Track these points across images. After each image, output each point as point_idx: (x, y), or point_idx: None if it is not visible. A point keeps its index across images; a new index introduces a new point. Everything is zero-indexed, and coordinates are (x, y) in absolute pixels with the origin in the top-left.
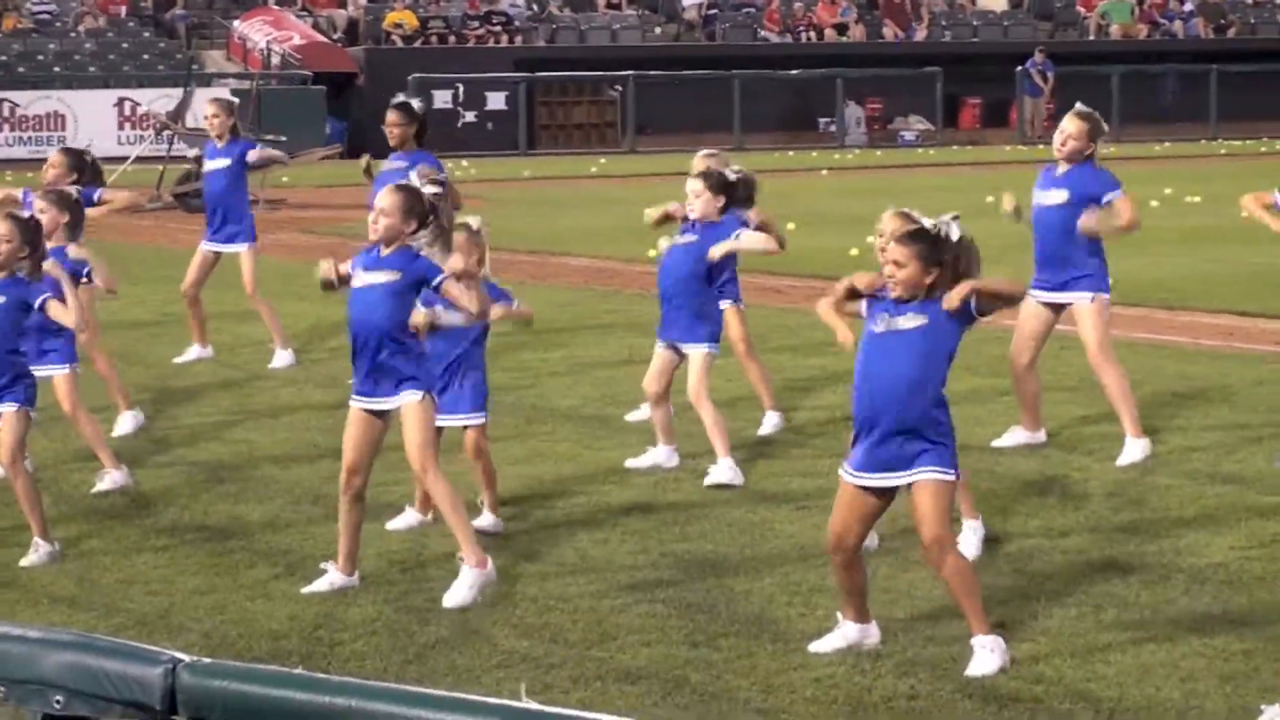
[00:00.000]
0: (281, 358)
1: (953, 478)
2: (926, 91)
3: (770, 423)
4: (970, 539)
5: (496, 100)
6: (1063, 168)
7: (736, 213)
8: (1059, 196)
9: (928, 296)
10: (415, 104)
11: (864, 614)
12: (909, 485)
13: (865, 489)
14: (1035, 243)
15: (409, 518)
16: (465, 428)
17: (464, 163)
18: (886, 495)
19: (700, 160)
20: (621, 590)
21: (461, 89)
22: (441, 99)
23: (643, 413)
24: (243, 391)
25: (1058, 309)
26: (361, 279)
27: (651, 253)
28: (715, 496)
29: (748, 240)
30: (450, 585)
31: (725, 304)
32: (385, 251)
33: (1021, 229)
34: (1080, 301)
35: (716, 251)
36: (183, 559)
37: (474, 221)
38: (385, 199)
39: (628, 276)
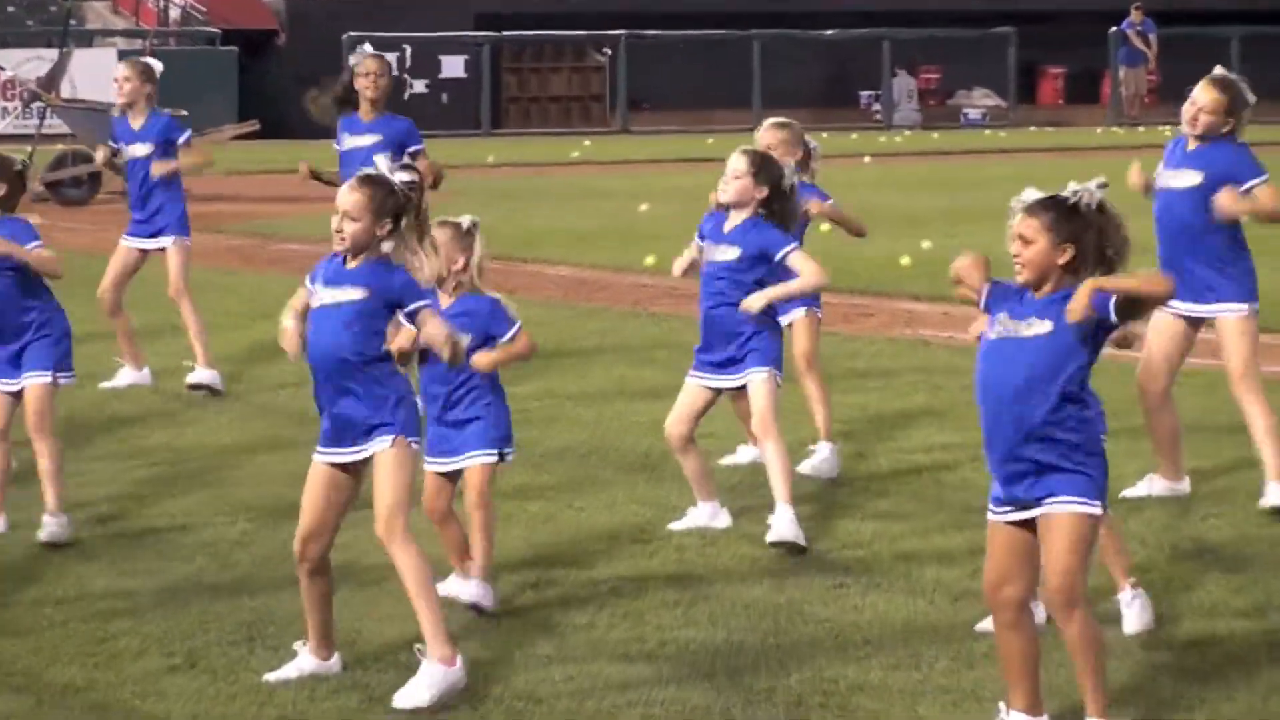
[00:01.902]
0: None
1: (1094, 510)
2: (996, 58)
3: (821, 458)
4: (1129, 613)
5: (453, 66)
6: (1195, 144)
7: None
8: (1190, 178)
9: (1058, 287)
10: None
11: (1036, 704)
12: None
13: (1011, 524)
14: (1159, 236)
15: (456, 586)
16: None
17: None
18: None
19: (767, 132)
20: (610, 689)
21: (409, 51)
22: None
23: (738, 455)
24: (170, 427)
25: (1194, 323)
26: (322, 297)
27: (649, 260)
28: (729, 567)
29: (799, 282)
30: (409, 680)
31: (797, 312)
32: (352, 263)
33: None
34: (1221, 315)
35: (755, 304)
36: (53, 644)
37: (465, 220)
38: (347, 197)
39: (618, 290)
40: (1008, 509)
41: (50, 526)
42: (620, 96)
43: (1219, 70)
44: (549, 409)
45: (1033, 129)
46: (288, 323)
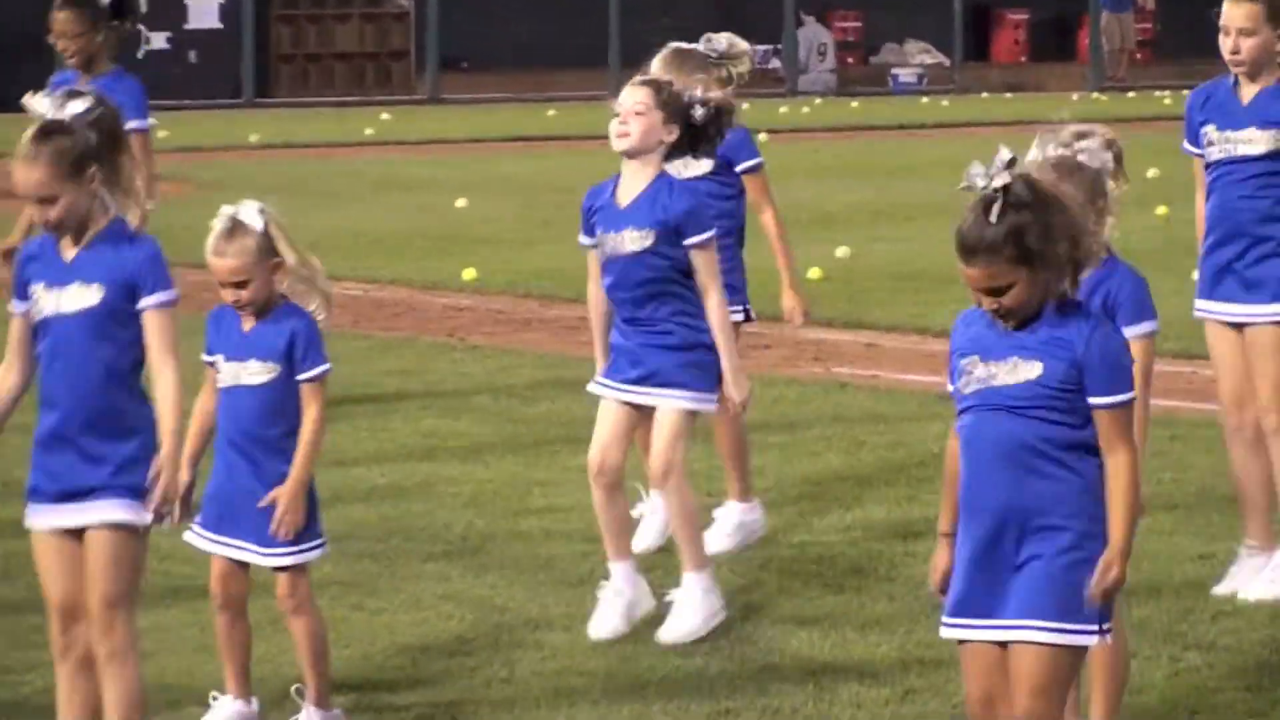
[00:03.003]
0: None
1: (1080, 642)
2: (937, 1)
3: (730, 521)
4: None
5: (204, 13)
6: (1248, 89)
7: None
8: (1257, 140)
9: (1039, 313)
10: None
11: None
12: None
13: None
14: (1210, 218)
15: None
16: (274, 570)
17: (149, 119)
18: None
19: (663, 62)
20: None
21: None
22: None
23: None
24: None
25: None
26: (45, 301)
27: (468, 274)
28: (602, 680)
29: (716, 320)
30: None
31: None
32: (69, 252)
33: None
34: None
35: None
36: None
37: (246, 211)
38: (23, 169)
39: (428, 314)
40: (958, 622)
41: None
42: (430, 54)
43: None
44: (332, 475)
45: (986, 95)
46: None
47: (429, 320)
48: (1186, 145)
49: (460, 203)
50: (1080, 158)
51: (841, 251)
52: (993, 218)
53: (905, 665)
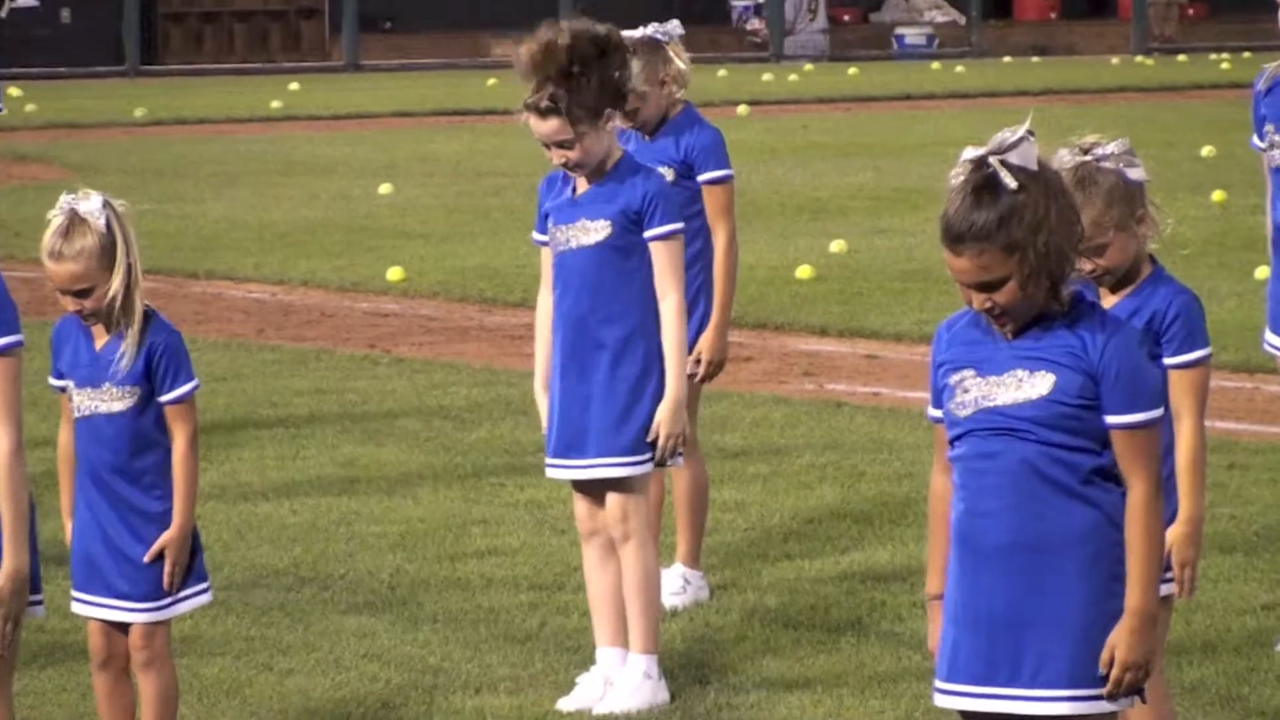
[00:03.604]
0: None
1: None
2: None
3: (675, 585)
4: None
5: None
6: None
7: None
8: None
9: (1048, 322)
10: None
11: None
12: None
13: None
14: (1276, 233)
15: None
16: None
17: (12, 90)
18: None
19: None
20: None
21: None
22: None
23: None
24: None
25: None
26: None
27: (393, 274)
28: None
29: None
30: None
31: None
32: None
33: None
34: None
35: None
36: None
37: (87, 204)
38: None
39: (348, 321)
40: (951, 688)
41: None
42: (347, 12)
43: None
44: (234, 512)
45: (1008, 60)
46: None
47: (347, 329)
48: (1254, 141)
49: (383, 189)
50: (1105, 164)
51: (836, 246)
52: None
53: None
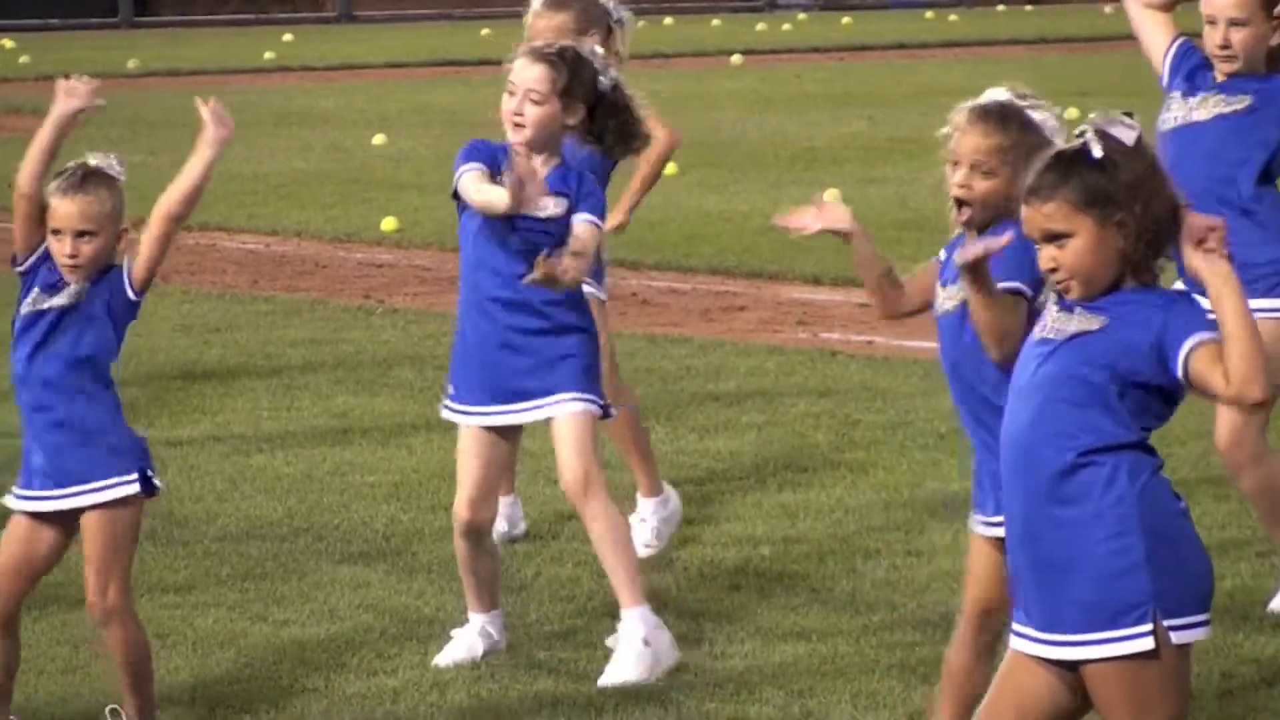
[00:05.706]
0: None
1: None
2: None
3: (649, 525)
4: None
5: None
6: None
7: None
8: (1228, 101)
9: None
10: None
11: None
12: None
13: (1035, 659)
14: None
15: None
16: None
17: (6, 42)
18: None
19: (537, 19)
20: None
21: None
22: None
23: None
24: None
25: None
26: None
27: (387, 224)
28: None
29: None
30: None
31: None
32: None
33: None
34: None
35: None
36: None
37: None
38: None
39: (338, 273)
40: (1029, 634)
41: None
42: None
43: None
44: (228, 463)
45: (1002, 9)
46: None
47: (341, 280)
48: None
49: (377, 140)
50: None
51: (830, 195)
52: (1095, 152)
53: (908, 685)
